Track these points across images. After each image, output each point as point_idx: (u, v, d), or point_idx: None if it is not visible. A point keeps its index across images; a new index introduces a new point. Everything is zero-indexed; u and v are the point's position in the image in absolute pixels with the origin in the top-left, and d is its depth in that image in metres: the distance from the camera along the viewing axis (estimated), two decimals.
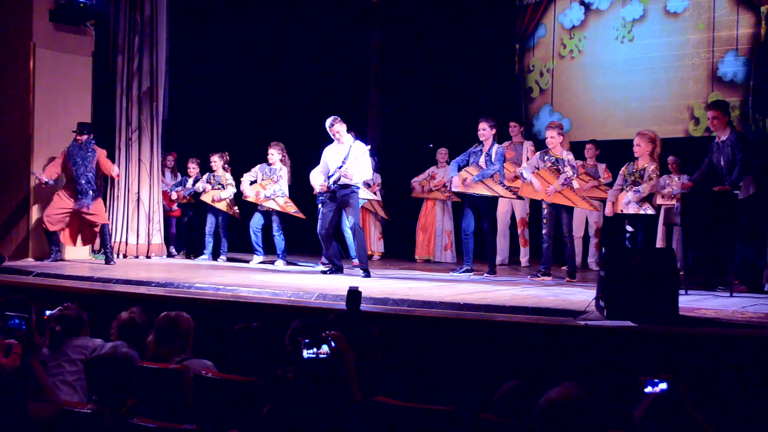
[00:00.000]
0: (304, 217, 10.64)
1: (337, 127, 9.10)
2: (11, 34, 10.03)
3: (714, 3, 11.57)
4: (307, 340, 3.58)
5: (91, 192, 9.64)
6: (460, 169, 9.26)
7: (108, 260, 9.77)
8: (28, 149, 9.88)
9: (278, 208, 10.48)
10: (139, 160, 11.09)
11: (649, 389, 3.17)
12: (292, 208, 10.54)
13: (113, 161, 10.63)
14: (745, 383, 4.66)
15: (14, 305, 4.46)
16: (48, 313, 4.92)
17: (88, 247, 10.39)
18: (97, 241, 10.25)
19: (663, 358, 4.96)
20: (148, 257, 11.08)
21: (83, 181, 9.59)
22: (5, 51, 10.04)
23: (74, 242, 9.96)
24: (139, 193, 11.08)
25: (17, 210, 9.99)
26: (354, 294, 4.78)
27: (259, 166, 10.77)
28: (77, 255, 10.27)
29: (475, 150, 9.29)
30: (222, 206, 11.05)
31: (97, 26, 10.67)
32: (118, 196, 10.99)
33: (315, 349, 3.56)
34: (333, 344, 3.59)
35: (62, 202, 9.63)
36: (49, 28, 10.10)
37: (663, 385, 3.15)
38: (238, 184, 10.91)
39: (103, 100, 10.95)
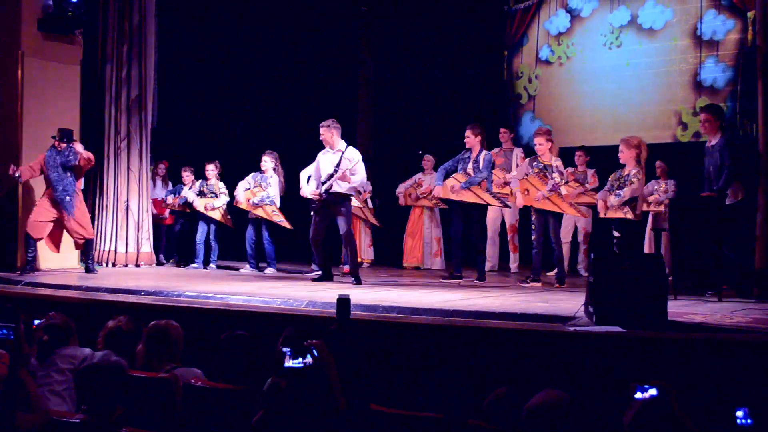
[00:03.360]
0: (290, 227, 10.64)
1: (322, 131, 9.01)
2: None
3: (701, 9, 11.65)
4: (289, 350, 3.58)
5: (67, 198, 9.42)
6: (447, 175, 9.27)
7: (89, 269, 9.71)
8: (16, 158, 9.83)
9: (264, 216, 10.49)
10: (128, 168, 11.06)
11: (639, 395, 3.18)
12: (278, 217, 10.53)
13: (102, 169, 10.62)
14: (734, 388, 4.67)
15: (2, 315, 4.46)
16: (37, 322, 4.90)
17: (76, 255, 10.32)
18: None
19: (652, 363, 4.97)
20: (137, 266, 11.05)
21: (60, 188, 9.40)
22: None
23: (57, 249, 9.77)
24: (128, 201, 11.05)
25: (6, 219, 9.94)
26: (343, 302, 4.78)
27: (252, 174, 10.79)
28: (65, 263, 10.19)
29: (464, 157, 9.30)
30: (215, 215, 11.06)
31: (86, 35, 10.66)
32: (107, 205, 10.96)
33: (300, 359, 3.56)
34: (315, 353, 3.59)
35: (45, 211, 9.47)
36: (37, 37, 10.08)
37: (653, 391, 3.17)
38: (231, 192, 10.92)
39: (91, 109, 10.93)
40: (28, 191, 9.95)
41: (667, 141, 11.73)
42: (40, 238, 9.52)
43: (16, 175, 9.44)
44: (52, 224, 9.53)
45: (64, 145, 9.48)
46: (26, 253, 9.50)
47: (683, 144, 11.47)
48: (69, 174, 9.48)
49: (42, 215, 9.47)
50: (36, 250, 9.55)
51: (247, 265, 10.71)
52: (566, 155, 10.45)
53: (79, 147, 9.57)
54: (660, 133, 11.79)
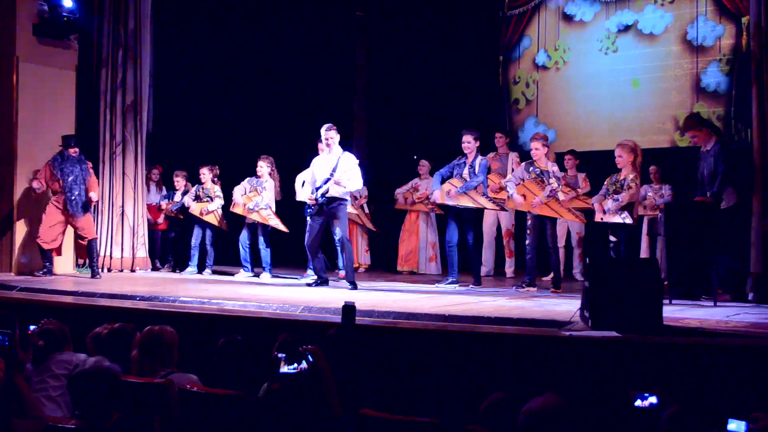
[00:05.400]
0: (286, 230, 10.61)
1: (331, 134, 9.04)
2: None
3: (696, 14, 11.68)
4: (284, 356, 3.57)
5: (81, 204, 9.58)
6: (443, 181, 9.27)
7: (94, 274, 9.72)
8: (11, 163, 9.84)
9: (260, 220, 10.48)
10: (123, 173, 11.03)
11: (638, 403, 3.18)
12: (273, 221, 10.51)
13: (97, 175, 10.58)
14: (730, 392, 4.67)
15: None
16: (32, 328, 4.89)
17: (72, 261, 10.33)
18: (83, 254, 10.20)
19: (648, 368, 4.97)
20: (132, 271, 11.02)
21: (77, 193, 9.55)
22: None
23: (60, 253, 9.87)
24: (123, 206, 11.02)
25: (1, 224, 9.93)
26: (348, 309, 4.77)
27: (248, 178, 10.77)
28: (62, 269, 10.19)
29: (459, 162, 9.30)
30: (211, 219, 11.02)
31: (81, 40, 10.66)
32: (102, 210, 10.93)
33: (295, 365, 3.56)
34: (310, 359, 3.59)
35: (54, 219, 9.56)
36: (32, 42, 10.08)
37: (652, 399, 3.16)
38: (226, 196, 10.91)
39: (86, 114, 10.91)
40: (24, 194, 9.95)
41: (665, 146, 11.75)
42: (53, 248, 9.71)
43: (37, 187, 9.59)
44: (62, 234, 9.69)
45: (77, 150, 9.66)
46: (42, 260, 9.69)
47: (681, 149, 11.48)
48: (83, 180, 9.68)
49: (50, 227, 9.60)
50: (51, 257, 9.74)
51: (242, 270, 10.69)
52: (561, 159, 10.50)
53: (94, 181, 9.93)
54: (656, 138, 11.82)
